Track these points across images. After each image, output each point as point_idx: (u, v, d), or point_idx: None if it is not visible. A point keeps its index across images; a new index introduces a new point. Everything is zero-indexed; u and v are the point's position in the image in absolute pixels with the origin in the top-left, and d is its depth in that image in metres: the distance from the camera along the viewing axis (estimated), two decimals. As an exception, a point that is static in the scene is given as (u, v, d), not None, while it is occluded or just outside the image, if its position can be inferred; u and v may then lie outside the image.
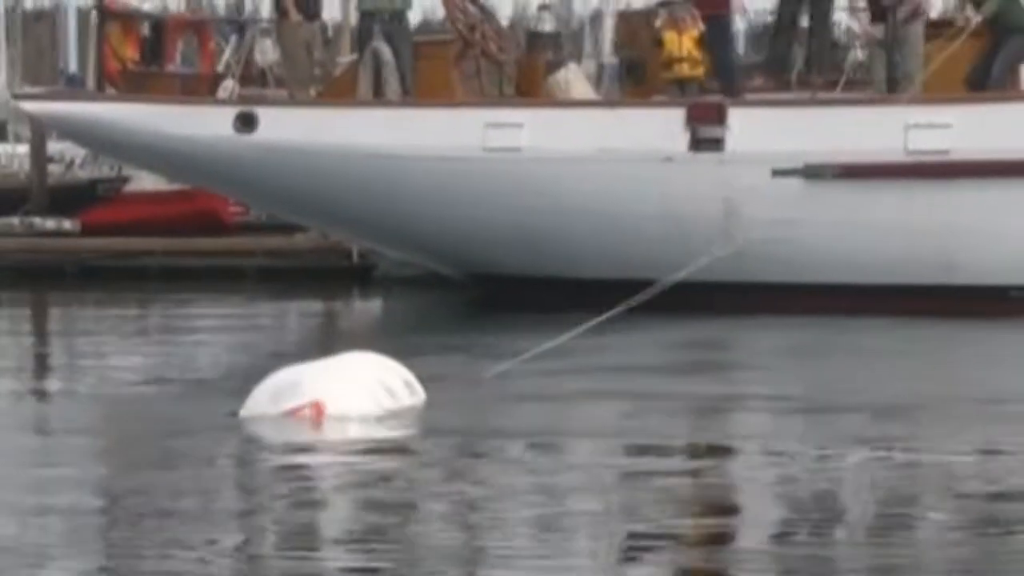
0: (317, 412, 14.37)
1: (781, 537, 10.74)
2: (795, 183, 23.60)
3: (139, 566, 10.08)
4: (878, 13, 24.38)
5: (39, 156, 36.13)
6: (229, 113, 25.09)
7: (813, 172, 23.50)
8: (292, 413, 14.37)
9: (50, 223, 34.82)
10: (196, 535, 11.29)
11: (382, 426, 14.84)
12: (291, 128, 24.85)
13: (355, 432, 14.71)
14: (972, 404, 15.77)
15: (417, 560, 10.74)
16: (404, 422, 15.07)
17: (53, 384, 19.09)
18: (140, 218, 31.90)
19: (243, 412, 14.67)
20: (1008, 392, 16.49)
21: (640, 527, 11.01)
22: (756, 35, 26.64)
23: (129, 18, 27.66)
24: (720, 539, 10.80)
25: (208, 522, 11.85)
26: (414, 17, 27.13)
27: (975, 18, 24.57)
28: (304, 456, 14.06)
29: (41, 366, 21.30)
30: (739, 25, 26.90)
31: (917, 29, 24.43)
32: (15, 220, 35.26)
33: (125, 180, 33.06)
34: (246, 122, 24.83)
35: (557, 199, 23.57)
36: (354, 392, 14.81)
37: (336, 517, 12.13)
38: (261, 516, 11.97)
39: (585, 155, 23.86)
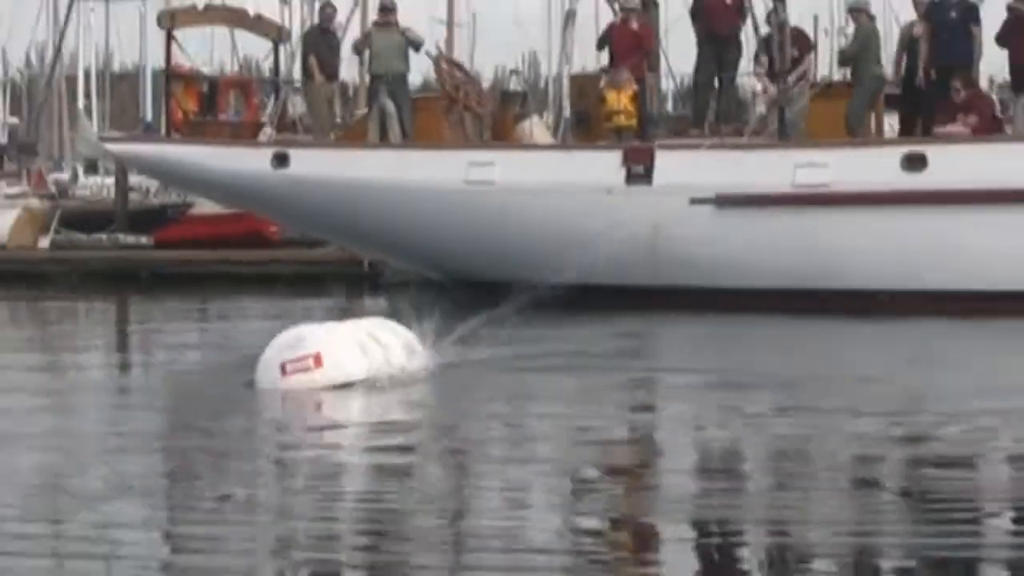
0: (316, 363, 14.22)
1: (699, 487, 11.06)
2: (708, 209, 23.77)
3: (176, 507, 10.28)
4: (773, 77, 24.69)
5: (122, 186, 36.65)
6: (267, 153, 25.40)
7: (722, 201, 23.68)
8: (294, 362, 14.21)
9: (130, 239, 35.13)
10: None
11: (378, 383, 14.74)
12: (316, 165, 25.14)
13: (355, 386, 14.61)
14: (851, 380, 16.06)
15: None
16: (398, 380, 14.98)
17: (131, 359, 19.70)
18: (201, 235, 32.08)
19: (259, 365, 14.46)
20: (875, 371, 16.73)
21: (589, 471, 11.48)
22: (683, 94, 26.48)
23: (191, 78, 27.66)
24: (646, 487, 11.21)
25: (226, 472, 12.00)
26: (415, 79, 26.99)
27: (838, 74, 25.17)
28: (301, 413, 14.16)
29: (122, 347, 21.76)
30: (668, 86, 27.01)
31: (804, 89, 24.65)
32: (103, 236, 35.66)
33: (189, 205, 33.36)
34: (280, 160, 25.16)
35: (522, 222, 23.96)
36: (351, 349, 14.66)
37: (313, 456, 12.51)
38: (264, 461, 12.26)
39: (545, 187, 24.07)
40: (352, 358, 14.58)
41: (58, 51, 46.96)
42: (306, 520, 10.05)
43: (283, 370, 14.20)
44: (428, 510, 10.24)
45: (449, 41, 33.99)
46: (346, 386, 14.54)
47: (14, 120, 54.79)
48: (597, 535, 9.72)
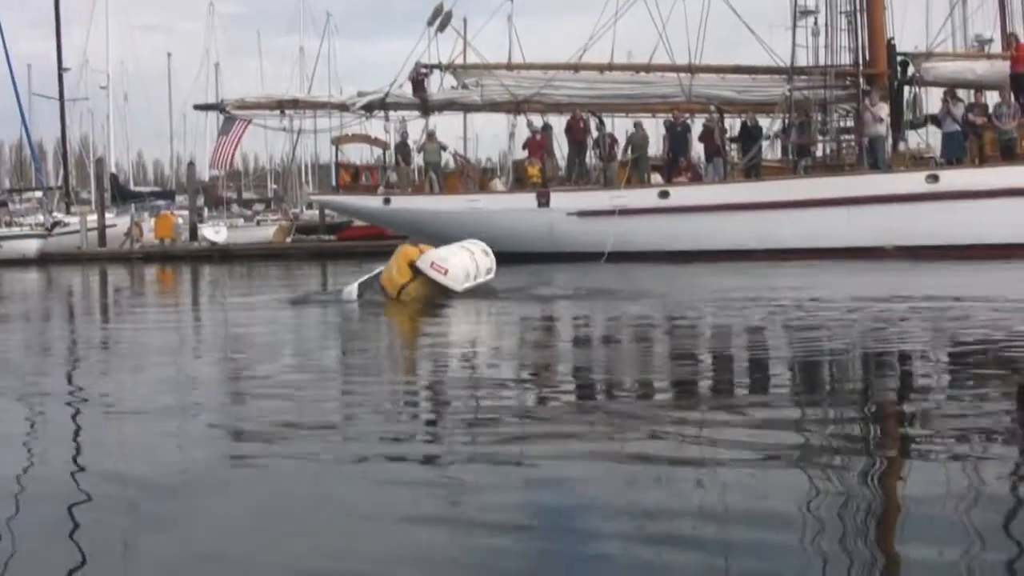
0: (445, 272, 12.90)
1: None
2: (575, 218, 23.39)
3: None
4: (601, 158, 24.58)
5: (322, 215, 36.39)
6: (380, 199, 24.96)
7: (581, 213, 23.33)
8: (437, 265, 12.91)
9: (327, 237, 35.16)
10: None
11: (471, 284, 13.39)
12: (403, 204, 24.66)
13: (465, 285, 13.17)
14: (641, 291, 14.32)
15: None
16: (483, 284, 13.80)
17: (324, 289, 18.05)
18: (357, 235, 32.04)
19: (421, 259, 12.98)
20: (662, 288, 15.14)
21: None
22: (563, 167, 25.87)
23: (347, 166, 27.13)
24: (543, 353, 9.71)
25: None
26: (447, 164, 26.71)
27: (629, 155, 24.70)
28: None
29: (317, 285, 20.34)
30: (559, 164, 25.88)
31: (615, 163, 24.39)
32: (314, 237, 35.78)
33: (351, 223, 32.74)
34: (387, 202, 24.72)
35: (491, 224, 22.85)
36: (462, 268, 13.30)
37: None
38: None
39: (502, 210, 23.72)
40: (462, 273, 13.12)
41: (292, 155, 47.21)
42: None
43: (431, 266, 12.82)
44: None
45: (464, 146, 34.06)
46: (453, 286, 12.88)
47: (275, 187, 54.95)
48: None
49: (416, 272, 12.97)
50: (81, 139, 53.16)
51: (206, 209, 44.73)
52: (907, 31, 24.97)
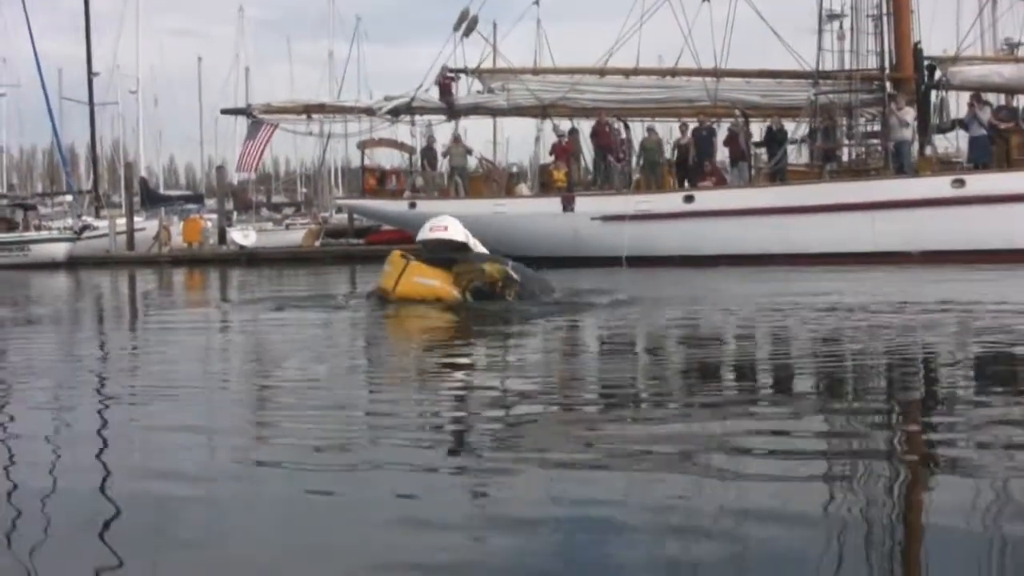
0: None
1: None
2: (598, 223, 23.72)
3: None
4: (619, 161, 24.93)
5: (351, 219, 36.88)
6: (406, 203, 25.42)
7: (604, 218, 23.68)
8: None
9: (355, 241, 35.70)
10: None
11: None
12: (428, 207, 24.25)
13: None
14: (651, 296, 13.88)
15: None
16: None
17: (357, 284, 17.99)
18: (384, 239, 31.95)
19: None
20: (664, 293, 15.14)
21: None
22: (589, 172, 26.11)
23: (373, 169, 27.53)
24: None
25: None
26: (472, 168, 26.82)
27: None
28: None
29: (353, 284, 20.73)
30: (585, 168, 26.16)
31: (634, 168, 24.85)
32: (344, 240, 36.23)
33: (379, 227, 32.88)
34: (412, 206, 25.06)
35: (517, 231, 23.58)
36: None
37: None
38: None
39: (528, 214, 24.15)
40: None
41: (322, 161, 47.69)
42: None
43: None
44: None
45: (493, 151, 34.42)
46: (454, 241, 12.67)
47: (305, 191, 55.50)
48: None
49: (408, 259, 12.74)
50: (112, 143, 54.12)
51: (235, 213, 45.33)
52: (936, 35, 25.21)
